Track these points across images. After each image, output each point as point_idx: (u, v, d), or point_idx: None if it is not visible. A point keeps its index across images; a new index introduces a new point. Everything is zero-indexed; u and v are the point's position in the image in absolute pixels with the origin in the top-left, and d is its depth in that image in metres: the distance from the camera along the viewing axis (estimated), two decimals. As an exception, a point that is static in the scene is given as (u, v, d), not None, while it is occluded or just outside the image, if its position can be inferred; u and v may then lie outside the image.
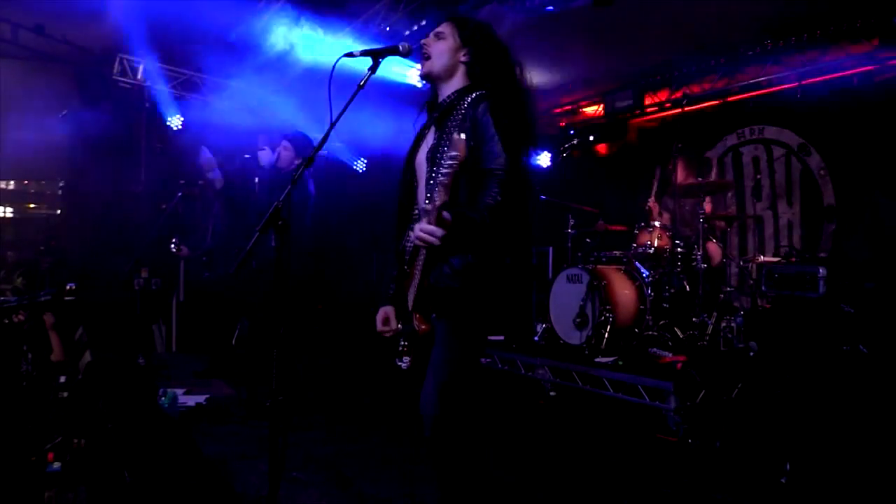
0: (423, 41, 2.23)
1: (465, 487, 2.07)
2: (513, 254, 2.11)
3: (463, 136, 1.81)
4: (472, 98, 2.13)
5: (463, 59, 2.22)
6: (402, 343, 2.21)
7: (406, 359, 2.17)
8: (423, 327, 2.06)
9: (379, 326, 2.28)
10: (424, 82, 2.31)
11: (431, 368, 2.07)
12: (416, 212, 2.30)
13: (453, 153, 1.77)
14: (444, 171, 1.79)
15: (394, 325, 2.26)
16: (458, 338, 2.06)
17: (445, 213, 1.84)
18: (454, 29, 2.23)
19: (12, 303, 3.81)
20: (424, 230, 1.85)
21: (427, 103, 2.35)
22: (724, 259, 5.74)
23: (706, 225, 5.24)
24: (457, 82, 2.23)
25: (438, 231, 1.84)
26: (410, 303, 2.13)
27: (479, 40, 2.21)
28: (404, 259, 2.27)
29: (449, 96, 2.22)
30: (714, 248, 5.55)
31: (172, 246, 6.00)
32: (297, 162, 4.60)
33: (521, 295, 2.21)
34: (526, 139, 2.11)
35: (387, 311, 2.29)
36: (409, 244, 2.29)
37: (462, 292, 2.03)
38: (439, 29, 2.24)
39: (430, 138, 2.24)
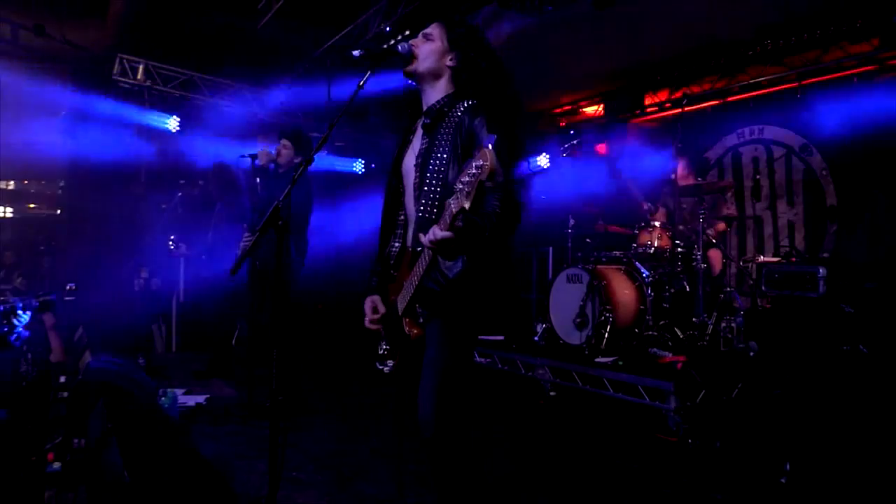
0: (411, 41, 2.19)
1: (464, 487, 2.07)
2: (502, 259, 2.12)
3: (491, 146, 1.79)
4: (465, 107, 2.10)
5: (449, 63, 2.19)
6: (384, 347, 2.21)
7: (389, 362, 2.17)
8: (416, 332, 2.07)
9: (369, 315, 2.27)
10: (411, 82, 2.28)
11: (426, 370, 2.07)
12: (402, 217, 2.29)
13: (481, 163, 1.73)
14: (466, 179, 1.77)
15: (383, 308, 2.26)
16: (451, 339, 2.07)
17: (458, 222, 1.83)
18: (443, 31, 2.20)
19: (12, 303, 3.81)
20: (438, 235, 1.83)
21: (410, 107, 2.31)
22: (725, 260, 5.74)
23: (706, 225, 5.24)
24: (442, 87, 2.20)
25: (451, 236, 1.82)
26: (401, 308, 2.13)
27: (466, 45, 2.18)
28: (389, 263, 2.27)
29: (438, 101, 2.18)
30: (716, 254, 5.55)
31: (171, 244, 5.99)
32: (296, 160, 4.59)
33: (510, 296, 2.22)
34: (516, 152, 2.11)
35: (374, 299, 2.29)
36: (393, 249, 2.28)
37: (455, 296, 2.04)
38: (428, 30, 2.21)
39: (416, 144, 2.21)
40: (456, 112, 2.11)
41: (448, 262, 2.03)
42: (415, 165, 2.16)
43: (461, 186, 1.76)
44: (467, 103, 2.12)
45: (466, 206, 1.76)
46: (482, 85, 2.16)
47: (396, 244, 2.30)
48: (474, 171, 1.74)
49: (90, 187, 7.52)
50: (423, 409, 2.04)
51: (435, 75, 2.19)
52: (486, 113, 2.07)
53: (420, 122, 2.23)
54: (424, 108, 2.23)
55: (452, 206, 1.79)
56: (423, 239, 1.88)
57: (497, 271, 2.11)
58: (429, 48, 2.18)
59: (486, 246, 1.99)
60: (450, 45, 2.18)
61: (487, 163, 1.73)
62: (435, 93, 2.20)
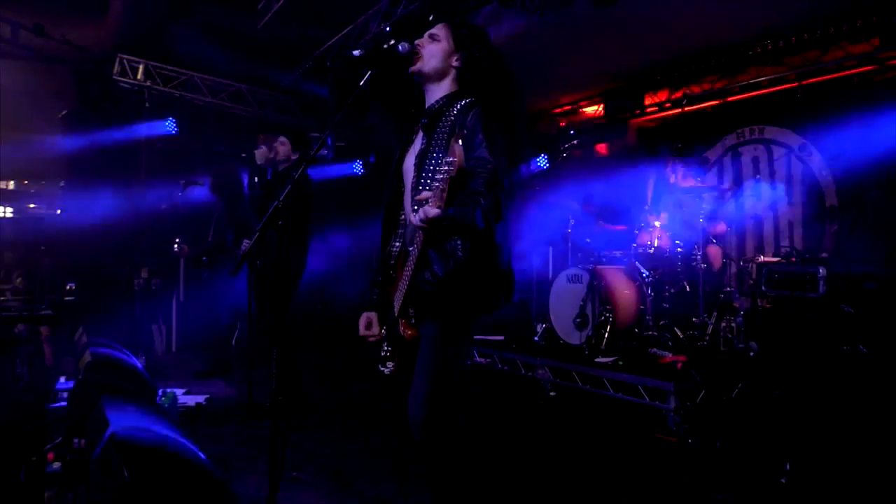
0: (416, 41, 2.20)
1: (456, 489, 2.06)
2: (497, 258, 2.11)
3: (461, 142, 1.81)
4: (461, 105, 2.12)
5: (455, 63, 2.20)
6: (385, 349, 2.21)
7: (390, 364, 2.18)
8: (409, 332, 2.07)
9: (361, 331, 2.30)
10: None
11: (416, 373, 2.07)
12: (403, 217, 2.30)
13: (451, 159, 1.76)
14: (440, 176, 1.78)
15: (376, 330, 2.29)
16: (444, 341, 2.07)
17: (450, 210, 1.84)
18: (449, 32, 2.21)
19: (12, 313, 3.82)
20: (430, 213, 1.82)
21: (414, 107, 2.32)
22: (725, 260, 5.74)
23: (706, 223, 5.24)
24: (446, 86, 2.22)
25: (441, 214, 1.81)
26: (396, 308, 2.13)
27: (471, 46, 2.19)
28: (389, 264, 2.27)
29: (438, 101, 2.20)
30: (714, 251, 5.55)
31: (175, 247, 5.99)
32: (293, 157, 4.59)
33: (506, 297, 2.21)
34: (514, 150, 2.12)
35: (369, 316, 2.31)
36: (393, 249, 2.29)
37: (445, 296, 2.04)
38: (434, 31, 2.22)
39: (417, 144, 2.23)
40: (452, 111, 2.12)
41: (440, 260, 2.03)
42: (414, 165, 2.18)
43: (437, 184, 1.79)
44: (464, 101, 2.13)
45: (441, 206, 1.79)
46: (485, 85, 2.17)
47: (397, 244, 2.30)
48: (446, 167, 1.76)
49: (90, 187, 7.52)
50: (413, 412, 2.04)
51: (440, 75, 2.21)
52: (482, 107, 2.08)
53: (421, 122, 2.24)
54: (426, 107, 2.24)
55: (430, 202, 1.80)
56: (415, 218, 1.87)
57: (493, 270, 2.11)
58: (434, 48, 2.19)
59: (477, 234, 1.98)
60: (455, 45, 2.19)
61: (455, 158, 1.75)
62: (437, 92, 2.22)
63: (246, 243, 4.68)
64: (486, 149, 2.01)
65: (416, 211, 1.89)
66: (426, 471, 2.12)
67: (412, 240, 2.06)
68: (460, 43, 2.19)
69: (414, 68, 2.20)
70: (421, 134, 2.22)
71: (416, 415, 2.02)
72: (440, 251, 2.04)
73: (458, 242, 2.03)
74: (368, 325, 2.30)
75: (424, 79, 2.22)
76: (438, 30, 2.22)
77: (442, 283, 2.02)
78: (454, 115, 2.10)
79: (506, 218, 2.10)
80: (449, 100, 2.18)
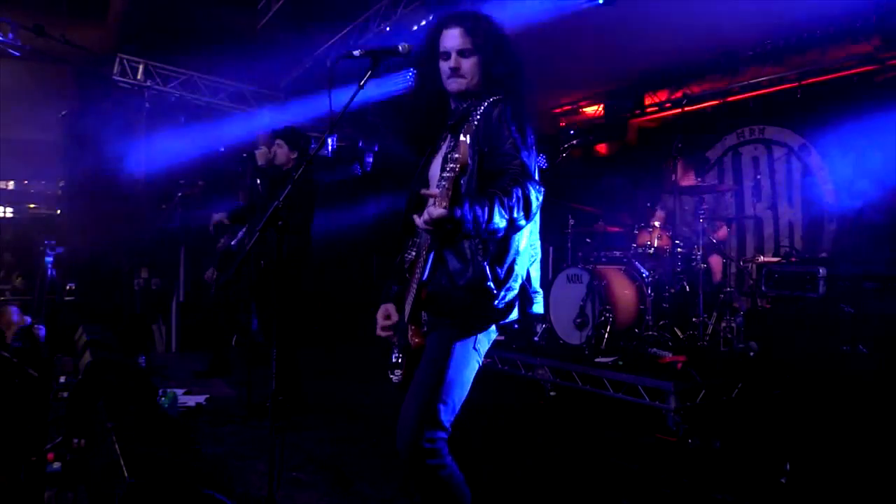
0: (451, 66, 2.14)
1: (448, 499, 1.99)
2: (516, 259, 2.05)
3: (468, 138, 1.76)
4: (486, 105, 2.08)
5: (483, 69, 2.16)
6: (396, 355, 2.17)
7: (398, 372, 2.12)
8: (417, 340, 2.01)
9: (381, 322, 2.23)
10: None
11: (412, 388, 2.00)
12: None
13: (456, 156, 1.72)
14: (446, 174, 1.74)
15: (395, 317, 2.22)
16: (447, 357, 1.98)
17: (456, 210, 1.74)
18: (469, 40, 2.14)
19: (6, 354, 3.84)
20: (433, 213, 1.72)
21: (440, 113, 2.26)
22: (725, 261, 5.75)
23: (706, 225, 5.24)
24: (473, 90, 2.18)
25: (447, 213, 1.72)
26: (407, 314, 2.08)
27: (491, 47, 2.15)
28: (403, 269, 2.24)
29: (465, 103, 2.17)
30: (717, 261, 5.55)
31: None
32: (292, 156, 4.59)
33: (524, 305, 2.14)
34: (532, 141, 2.10)
35: (388, 307, 2.24)
36: (408, 256, 2.26)
37: (460, 302, 1.97)
38: (459, 45, 2.14)
39: (444, 148, 2.19)
40: (477, 112, 2.06)
41: (459, 263, 1.97)
42: (440, 168, 2.15)
43: (443, 182, 1.75)
44: (491, 99, 2.10)
45: (447, 205, 1.71)
46: (508, 79, 2.14)
47: (413, 251, 2.26)
48: (451, 164, 1.73)
49: (90, 187, 7.52)
50: (401, 431, 1.95)
51: (476, 86, 2.18)
52: (504, 105, 2.04)
53: (448, 126, 2.21)
54: (452, 109, 2.22)
55: (435, 202, 1.73)
56: (419, 221, 1.77)
57: (513, 276, 2.02)
58: (471, 63, 2.14)
59: (491, 225, 1.83)
60: (481, 53, 2.15)
61: (459, 155, 1.72)
62: (466, 95, 2.18)
63: (222, 242, 4.70)
64: (511, 145, 1.97)
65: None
66: (416, 483, 2.05)
67: (425, 244, 2.01)
68: (482, 47, 2.14)
69: (458, 89, 2.16)
70: (448, 137, 2.18)
71: (404, 436, 1.94)
72: (458, 253, 1.97)
73: (479, 245, 1.96)
74: (387, 317, 2.23)
75: (465, 94, 2.18)
76: (462, 41, 2.14)
77: (458, 288, 1.96)
78: (479, 116, 2.05)
79: (535, 218, 2.03)
80: (475, 100, 2.14)
